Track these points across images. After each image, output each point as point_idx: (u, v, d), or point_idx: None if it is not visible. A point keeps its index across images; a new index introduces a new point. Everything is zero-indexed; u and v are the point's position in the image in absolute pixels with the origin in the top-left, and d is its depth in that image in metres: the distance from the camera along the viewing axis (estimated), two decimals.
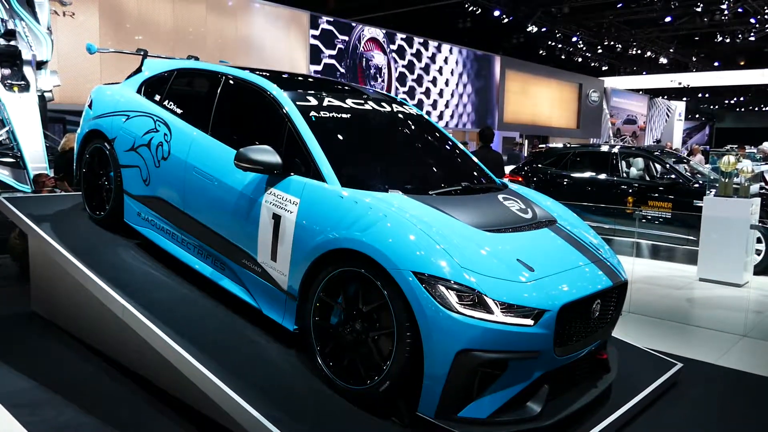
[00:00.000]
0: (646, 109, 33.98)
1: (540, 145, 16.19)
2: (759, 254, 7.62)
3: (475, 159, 4.17)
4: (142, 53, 4.72)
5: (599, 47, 26.36)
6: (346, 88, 4.14)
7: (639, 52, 26.69)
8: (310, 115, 3.51)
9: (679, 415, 3.52)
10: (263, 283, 3.36)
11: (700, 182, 8.29)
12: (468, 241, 2.89)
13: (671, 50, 27.26)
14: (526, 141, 21.72)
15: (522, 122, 24.50)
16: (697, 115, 45.15)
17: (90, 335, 4.24)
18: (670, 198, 8.33)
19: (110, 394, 3.58)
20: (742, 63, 29.38)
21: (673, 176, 8.55)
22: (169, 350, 3.18)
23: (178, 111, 4.08)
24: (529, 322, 2.68)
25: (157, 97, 4.27)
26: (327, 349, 3.04)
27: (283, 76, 3.99)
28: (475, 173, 3.97)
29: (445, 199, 3.32)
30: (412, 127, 4.08)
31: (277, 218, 3.25)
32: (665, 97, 35.79)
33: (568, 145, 11.25)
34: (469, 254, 2.79)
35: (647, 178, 8.86)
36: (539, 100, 25.60)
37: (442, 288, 2.64)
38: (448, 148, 4.15)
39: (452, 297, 2.63)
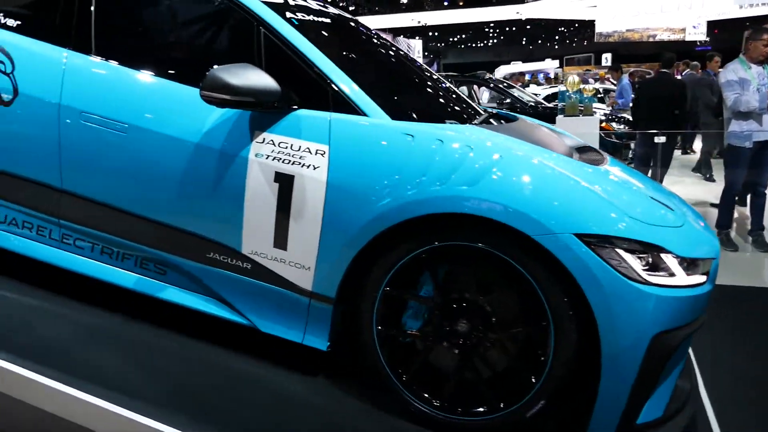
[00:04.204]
0: None
1: None
2: None
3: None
4: None
5: None
6: None
7: None
8: (289, 17, 2.26)
9: None
10: (259, 285, 2.13)
11: (533, 105, 8.49)
12: (614, 183, 2.08)
13: None
14: None
15: None
16: (426, 53, 48.77)
17: None
18: None
19: None
20: (461, 3, 32.20)
21: (508, 101, 8.60)
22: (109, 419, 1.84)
23: (17, 25, 2.41)
24: (703, 278, 2.00)
25: None
26: (411, 370, 2.00)
27: None
28: (470, 100, 3.09)
29: (508, 128, 2.42)
30: (385, 43, 2.99)
31: (284, 180, 2.02)
32: (402, 35, 37.58)
33: None
34: (628, 199, 1.98)
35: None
36: None
37: (621, 252, 1.80)
38: (427, 70, 3.16)
39: (635, 262, 1.82)
